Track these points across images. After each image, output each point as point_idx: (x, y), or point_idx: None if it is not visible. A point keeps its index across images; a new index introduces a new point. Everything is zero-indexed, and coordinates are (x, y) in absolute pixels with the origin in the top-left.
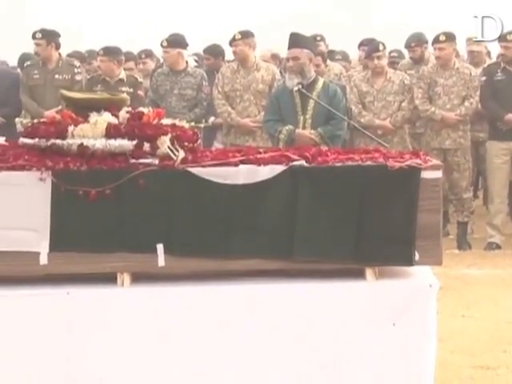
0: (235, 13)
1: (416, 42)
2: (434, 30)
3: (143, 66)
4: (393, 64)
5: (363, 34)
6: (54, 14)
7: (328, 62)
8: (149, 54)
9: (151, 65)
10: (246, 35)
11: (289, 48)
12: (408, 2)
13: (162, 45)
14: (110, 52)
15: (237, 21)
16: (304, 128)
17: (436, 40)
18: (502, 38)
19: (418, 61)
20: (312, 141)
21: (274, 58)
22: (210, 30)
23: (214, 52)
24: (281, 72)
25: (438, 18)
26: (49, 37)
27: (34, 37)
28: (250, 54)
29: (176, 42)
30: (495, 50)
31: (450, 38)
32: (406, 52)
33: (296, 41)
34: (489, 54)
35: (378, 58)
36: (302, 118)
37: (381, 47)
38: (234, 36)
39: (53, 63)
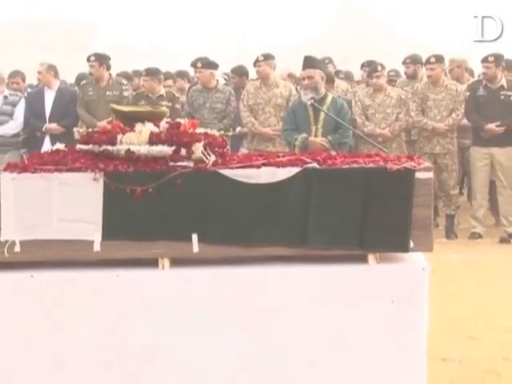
0: (257, 38)
1: (411, 59)
2: (434, 30)
3: (180, 84)
4: (391, 81)
5: (367, 40)
6: (111, 36)
7: (336, 79)
8: (185, 74)
9: (186, 83)
10: (268, 57)
11: (304, 68)
12: (408, 2)
13: (196, 66)
14: (152, 72)
15: (259, 45)
16: (316, 136)
17: (427, 61)
18: (484, 60)
19: (411, 76)
20: (323, 147)
21: (291, 76)
22: (237, 53)
23: (240, 72)
24: (296, 89)
25: (438, 18)
26: (101, 59)
27: (88, 60)
28: (270, 73)
29: (209, 64)
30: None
31: (439, 59)
32: (401, 70)
33: (310, 62)
34: (472, 72)
35: (377, 77)
36: (314, 127)
37: (379, 68)
38: (258, 58)
39: (104, 82)
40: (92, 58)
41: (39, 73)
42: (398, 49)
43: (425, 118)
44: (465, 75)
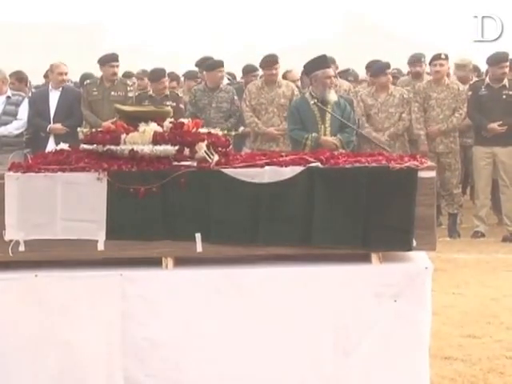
0: (263, 39)
1: (415, 58)
2: (434, 30)
3: (188, 84)
4: (393, 80)
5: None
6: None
7: (338, 79)
8: (194, 74)
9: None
10: (277, 60)
11: (327, 67)
12: (408, 2)
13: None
14: (158, 75)
15: (264, 45)
16: (325, 135)
17: (437, 57)
18: (502, 61)
19: (415, 75)
20: (334, 146)
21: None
22: (244, 52)
23: (247, 70)
24: (299, 88)
25: (439, 18)
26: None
27: (116, 60)
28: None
29: (222, 65)
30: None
31: (447, 57)
32: (405, 69)
33: (328, 61)
34: (477, 69)
35: (384, 75)
36: (322, 126)
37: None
38: (269, 62)
39: (109, 82)
40: (118, 58)
41: (66, 74)
42: (399, 48)
43: (424, 129)
44: (469, 76)
